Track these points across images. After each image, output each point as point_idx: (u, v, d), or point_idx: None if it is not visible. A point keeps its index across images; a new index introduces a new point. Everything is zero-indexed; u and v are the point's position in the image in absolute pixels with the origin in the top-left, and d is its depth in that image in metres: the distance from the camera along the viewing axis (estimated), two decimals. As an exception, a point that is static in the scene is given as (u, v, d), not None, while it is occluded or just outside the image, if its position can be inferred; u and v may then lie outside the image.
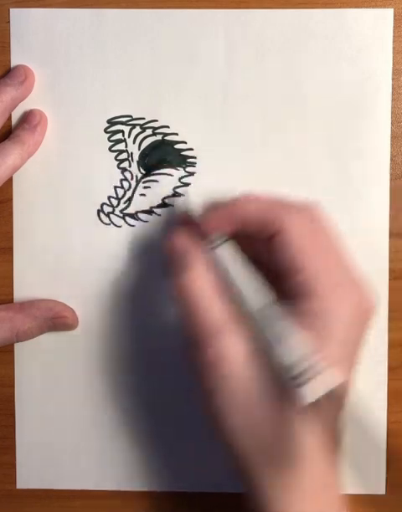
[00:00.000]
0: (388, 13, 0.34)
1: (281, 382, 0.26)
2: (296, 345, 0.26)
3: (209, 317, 0.28)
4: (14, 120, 0.35)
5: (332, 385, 0.25)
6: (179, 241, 0.30)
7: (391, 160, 0.35)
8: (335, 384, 0.25)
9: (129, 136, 0.35)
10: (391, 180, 0.35)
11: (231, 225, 0.29)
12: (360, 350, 0.28)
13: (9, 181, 0.35)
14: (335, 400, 0.25)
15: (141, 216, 0.35)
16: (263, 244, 0.29)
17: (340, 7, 0.34)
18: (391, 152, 0.35)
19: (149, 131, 0.35)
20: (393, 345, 0.35)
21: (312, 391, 0.25)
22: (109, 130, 0.35)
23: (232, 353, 0.27)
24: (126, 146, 0.35)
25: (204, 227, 0.30)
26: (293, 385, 0.25)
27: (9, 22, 0.35)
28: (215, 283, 0.29)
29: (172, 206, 0.35)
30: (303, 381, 0.25)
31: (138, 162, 0.35)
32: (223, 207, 0.30)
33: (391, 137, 0.35)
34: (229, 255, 0.29)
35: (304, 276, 0.27)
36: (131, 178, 0.35)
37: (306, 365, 0.25)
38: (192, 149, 0.35)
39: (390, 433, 0.35)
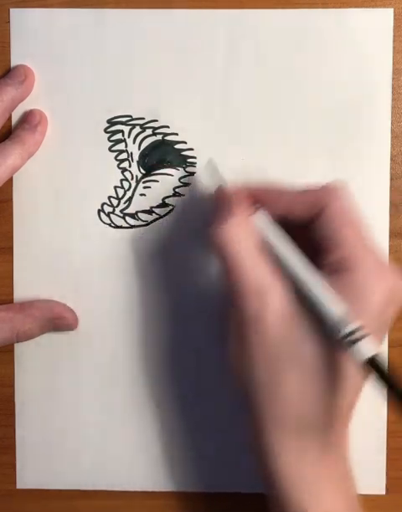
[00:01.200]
0: (388, 13, 0.34)
1: (322, 348, 0.27)
2: (339, 309, 0.26)
3: (251, 275, 0.28)
4: (14, 120, 0.35)
5: (373, 351, 0.25)
6: (229, 190, 0.31)
7: (391, 160, 0.35)
8: (374, 351, 0.25)
9: (129, 136, 0.35)
10: (391, 180, 0.35)
11: (279, 210, 0.30)
12: (387, 331, 0.30)
13: (9, 181, 0.35)
14: (368, 370, 0.25)
15: (141, 216, 0.35)
16: (301, 227, 0.30)
17: (340, 7, 0.34)
18: (391, 152, 0.35)
19: (149, 131, 0.35)
20: (393, 345, 0.35)
21: (360, 352, 0.25)
22: (109, 130, 0.35)
23: (277, 312, 0.27)
24: (126, 146, 0.35)
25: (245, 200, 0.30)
26: (341, 344, 0.26)
27: (9, 22, 0.35)
28: (259, 241, 0.29)
29: (173, 205, 0.35)
30: (351, 342, 0.26)
31: (138, 162, 0.35)
32: (268, 192, 0.31)
33: (391, 137, 0.35)
34: (268, 223, 0.30)
35: (347, 251, 0.28)
36: (131, 178, 0.35)
37: (351, 327, 0.26)
38: (192, 149, 0.35)
39: (390, 433, 0.35)
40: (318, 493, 0.28)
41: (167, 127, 0.35)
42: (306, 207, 0.30)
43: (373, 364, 0.25)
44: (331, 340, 0.27)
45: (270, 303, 0.27)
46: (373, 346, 0.25)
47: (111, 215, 0.35)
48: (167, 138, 0.35)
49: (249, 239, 0.29)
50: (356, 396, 0.29)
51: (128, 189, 0.35)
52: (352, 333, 0.26)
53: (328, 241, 0.29)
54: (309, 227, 0.30)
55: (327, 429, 0.28)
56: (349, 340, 0.26)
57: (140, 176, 0.35)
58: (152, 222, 0.35)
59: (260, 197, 0.30)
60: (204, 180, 0.34)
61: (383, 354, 0.26)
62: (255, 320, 0.27)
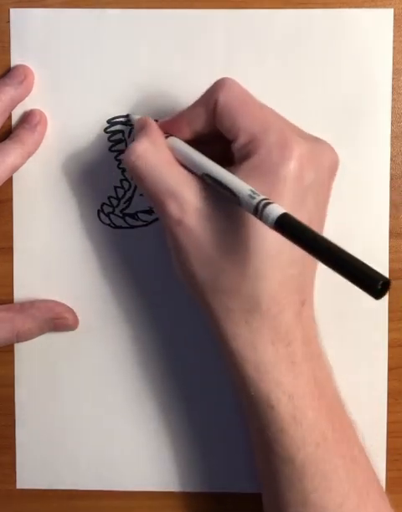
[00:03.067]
0: (388, 13, 0.34)
1: (245, 231, 0.27)
2: (244, 188, 0.26)
3: (164, 181, 0.29)
4: (14, 119, 0.35)
5: (278, 212, 0.24)
6: (144, 119, 0.31)
7: (391, 160, 0.35)
8: (280, 212, 0.24)
9: (129, 136, 0.35)
10: (391, 180, 0.35)
11: (185, 131, 0.31)
12: (322, 207, 0.30)
13: (9, 181, 0.35)
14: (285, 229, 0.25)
15: (141, 216, 0.35)
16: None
17: (340, 7, 0.34)
18: (391, 152, 0.35)
19: (149, 131, 0.35)
20: (393, 345, 0.35)
21: (269, 217, 0.25)
22: (109, 130, 0.35)
23: (194, 209, 0.28)
24: (126, 147, 0.35)
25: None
26: (257, 217, 0.26)
27: (9, 22, 0.35)
28: (171, 153, 0.30)
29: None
30: (261, 213, 0.25)
31: (138, 162, 0.35)
32: (177, 115, 0.31)
33: (391, 137, 0.35)
34: (179, 142, 0.31)
35: (246, 135, 0.28)
36: (131, 178, 0.35)
37: (256, 200, 0.25)
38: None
39: (390, 433, 0.35)
40: (278, 376, 0.28)
41: (167, 127, 0.35)
42: (204, 114, 0.30)
43: (280, 225, 0.24)
44: (252, 223, 0.27)
45: (187, 202, 0.28)
46: (278, 209, 0.25)
47: (111, 215, 0.35)
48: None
49: (160, 151, 0.30)
50: (300, 277, 0.29)
51: (128, 189, 0.35)
52: (258, 205, 0.25)
53: (229, 133, 0.29)
54: (213, 117, 0.30)
55: (272, 315, 0.28)
56: (259, 213, 0.25)
57: (140, 176, 0.35)
58: (151, 222, 0.35)
59: (169, 127, 0.31)
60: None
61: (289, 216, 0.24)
62: (178, 221, 0.28)
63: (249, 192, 0.26)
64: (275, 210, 0.24)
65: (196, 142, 0.30)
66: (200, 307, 0.30)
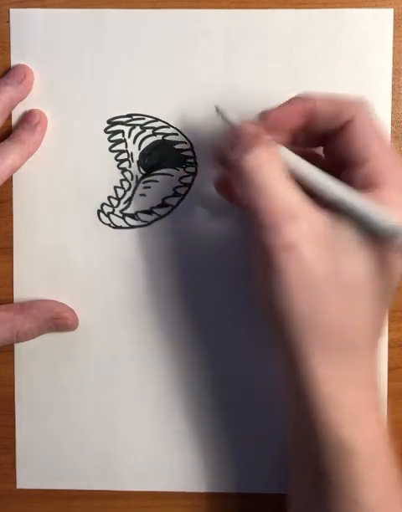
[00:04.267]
0: (388, 13, 0.34)
1: (358, 266, 0.26)
2: (386, 216, 0.26)
3: (283, 200, 0.27)
4: (14, 119, 0.35)
5: None
6: (246, 124, 0.29)
7: (391, 160, 0.35)
8: None
9: (129, 136, 0.35)
10: (391, 180, 0.35)
11: (301, 119, 0.29)
12: None
13: (9, 181, 0.35)
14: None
15: (141, 216, 0.35)
16: (323, 140, 0.29)
17: (340, 7, 0.34)
18: (391, 152, 0.35)
19: (149, 131, 0.35)
20: (393, 345, 0.35)
21: None
22: (109, 130, 0.35)
23: (314, 237, 0.26)
24: (126, 146, 0.35)
25: (268, 124, 0.29)
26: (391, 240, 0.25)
27: (9, 22, 0.35)
28: (286, 170, 0.28)
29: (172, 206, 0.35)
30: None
31: (138, 162, 0.35)
32: (288, 104, 0.30)
33: (391, 138, 0.35)
34: (290, 152, 0.29)
35: (376, 165, 0.27)
36: (131, 178, 0.35)
37: (395, 222, 0.25)
38: (192, 149, 0.35)
39: (390, 433, 0.35)
40: (359, 419, 0.27)
41: (168, 127, 0.35)
42: (330, 117, 0.28)
43: None
44: (373, 251, 0.26)
45: (306, 227, 0.26)
46: None
47: (111, 215, 0.35)
48: (167, 138, 0.35)
49: (279, 166, 0.27)
50: (385, 308, 0.28)
51: (128, 189, 0.35)
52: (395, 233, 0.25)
53: (356, 155, 0.28)
54: (330, 142, 0.29)
55: (370, 346, 0.28)
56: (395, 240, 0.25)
57: (140, 176, 0.35)
58: (152, 222, 0.35)
59: (291, 117, 0.29)
60: (217, 124, 0.33)
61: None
62: (290, 246, 0.26)
63: (392, 223, 0.25)
64: None
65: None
66: (280, 343, 0.28)
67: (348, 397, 0.27)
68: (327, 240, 0.26)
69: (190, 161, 0.35)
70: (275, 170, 0.27)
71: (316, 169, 0.28)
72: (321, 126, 0.29)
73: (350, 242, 0.27)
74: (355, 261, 0.27)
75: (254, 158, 0.27)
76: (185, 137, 0.35)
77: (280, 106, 0.30)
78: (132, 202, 0.35)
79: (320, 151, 0.31)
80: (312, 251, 0.26)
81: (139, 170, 0.35)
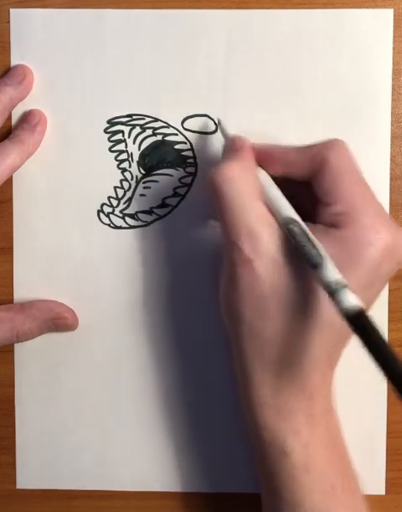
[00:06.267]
0: (388, 13, 0.34)
1: (307, 293, 0.28)
2: (325, 260, 0.26)
3: (245, 215, 0.28)
4: (14, 119, 0.35)
5: (356, 306, 0.25)
6: (241, 140, 0.31)
7: (391, 160, 0.35)
8: (358, 306, 0.25)
9: (129, 137, 0.35)
10: (391, 180, 0.35)
11: (279, 168, 0.30)
12: (379, 294, 0.30)
13: (9, 181, 0.35)
14: (352, 324, 0.25)
15: (141, 216, 0.35)
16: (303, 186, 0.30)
17: (340, 7, 0.34)
18: (391, 152, 0.35)
19: (149, 132, 0.35)
20: (393, 346, 0.35)
21: (342, 305, 0.25)
22: (109, 130, 0.35)
23: (268, 254, 0.28)
24: (126, 147, 0.35)
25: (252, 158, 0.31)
26: (326, 291, 0.26)
27: (9, 22, 0.35)
28: (258, 189, 0.29)
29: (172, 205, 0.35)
30: (334, 294, 0.25)
31: (138, 162, 0.35)
32: (267, 152, 0.31)
33: (391, 137, 0.35)
34: (267, 177, 0.30)
35: (345, 206, 0.28)
36: (131, 178, 0.35)
37: (335, 280, 0.26)
38: (192, 149, 0.35)
39: (390, 433, 0.35)
40: (296, 425, 0.29)
41: (167, 127, 0.35)
42: (306, 164, 0.30)
43: (352, 318, 0.25)
44: (317, 286, 0.27)
45: (262, 245, 0.28)
46: (354, 300, 0.25)
47: (111, 215, 0.35)
48: (167, 138, 0.35)
49: (249, 182, 0.29)
50: (338, 346, 0.29)
51: (128, 189, 0.35)
52: (333, 283, 0.25)
53: (328, 196, 0.29)
54: (310, 183, 0.30)
55: (304, 373, 0.28)
56: (331, 290, 0.25)
57: (140, 176, 0.35)
58: (151, 222, 0.35)
59: (261, 157, 0.31)
60: (218, 137, 0.34)
61: (367, 312, 0.25)
62: (247, 261, 0.28)
63: (329, 266, 0.26)
64: (352, 300, 0.25)
65: (277, 181, 0.30)
66: (232, 344, 0.30)
67: (282, 403, 0.29)
68: (281, 262, 0.28)
69: (190, 161, 0.35)
70: (244, 186, 0.29)
71: (284, 198, 0.29)
72: (299, 173, 0.30)
73: (299, 269, 0.28)
74: (301, 291, 0.28)
75: (227, 171, 0.28)
76: (185, 137, 0.35)
77: (265, 149, 0.31)
78: (132, 202, 0.35)
79: None
80: (266, 269, 0.28)
81: (139, 170, 0.35)
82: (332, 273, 0.26)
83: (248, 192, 0.28)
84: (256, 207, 0.28)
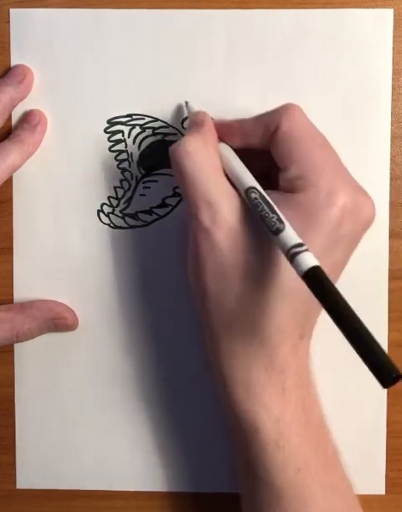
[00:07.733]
0: (388, 13, 0.34)
1: (268, 262, 0.28)
2: (283, 223, 0.26)
3: (204, 186, 0.28)
4: (14, 119, 0.35)
5: (312, 264, 0.24)
6: (203, 115, 0.31)
7: (391, 160, 0.35)
8: (314, 264, 0.24)
9: (129, 136, 0.35)
10: (391, 180, 0.35)
11: (239, 139, 0.31)
12: (348, 256, 0.29)
13: (9, 181, 0.35)
14: (313, 283, 0.25)
15: (141, 216, 0.35)
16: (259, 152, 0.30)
17: (340, 7, 0.34)
18: (391, 152, 0.35)
19: (149, 132, 0.35)
20: (393, 345, 0.35)
21: (299, 265, 0.25)
22: (109, 130, 0.35)
23: (227, 224, 0.28)
24: (126, 147, 0.35)
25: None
26: (287, 257, 0.26)
27: (9, 22, 0.35)
28: (218, 162, 0.30)
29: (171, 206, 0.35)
30: (294, 258, 0.25)
31: (138, 162, 0.35)
32: (225, 125, 0.31)
33: (391, 137, 0.35)
34: (229, 150, 0.31)
35: (300, 169, 0.28)
36: (131, 178, 0.35)
37: (292, 242, 0.25)
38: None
39: (390, 433, 0.35)
40: (266, 400, 0.28)
41: (167, 127, 0.35)
42: (261, 133, 0.30)
43: (307, 276, 0.24)
44: (277, 254, 0.27)
45: (221, 215, 0.28)
46: (312, 260, 0.25)
47: (111, 215, 0.35)
48: (167, 138, 0.35)
49: (209, 155, 0.29)
50: (307, 315, 0.29)
51: (128, 189, 0.35)
52: (292, 247, 0.25)
53: (282, 161, 0.29)
54: (271, 142, 0.30)
55: (272, 345, 0.28)
56: (291, 256, 0.25)
57: (140, 176, 0.35)
58: (151, 222, 0.35)
59: (222, 130, 0.31)
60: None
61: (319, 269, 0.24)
62: (206, 231, 0.28)
63: (289, 231, 0.26)
64: (309, 260, 0.25)
65: (242, 152, 0.30)
66: (201, 318, 0.30)
67: (252, 377, 0.28)
68: (241, 230, 0.28)
69: (190, 161, 0.35)
70: (203, 159, 0.29)
71: (244, 168, 0.29)
72: (257, 143, 0.30)
73: (259, 237, 0.28)
74: (261, 256, 0.28)
75: (187, 145, 0.29)
76: (185, 137, 0.35)
77: (223, 125, 0.31)
78: (132, 202, 0.35)
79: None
80: (226, 239, 0.28)
81: (139, 170, 0.35)
82: (291, 238, 0.26)
83: (207, 165, 0.29)
84: (215, 178, 0.29)
